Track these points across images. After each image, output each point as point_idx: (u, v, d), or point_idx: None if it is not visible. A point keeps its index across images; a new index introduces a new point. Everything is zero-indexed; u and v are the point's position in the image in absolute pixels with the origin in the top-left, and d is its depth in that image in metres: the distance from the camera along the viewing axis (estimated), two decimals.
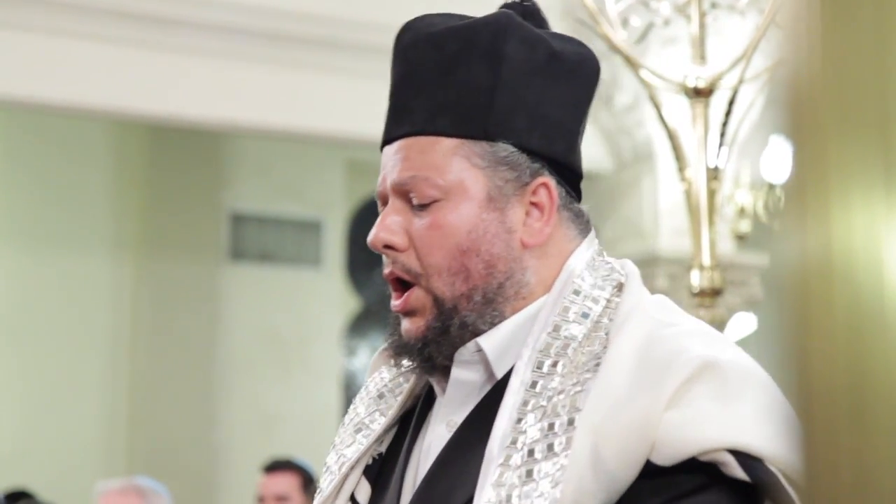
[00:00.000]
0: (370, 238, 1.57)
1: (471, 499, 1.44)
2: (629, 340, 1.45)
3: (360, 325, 8.75)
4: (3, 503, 3.73)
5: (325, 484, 1.62)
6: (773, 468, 1.34)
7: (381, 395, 1.67)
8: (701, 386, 1.38)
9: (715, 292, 2.79)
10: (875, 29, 0.55)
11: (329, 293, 8.44)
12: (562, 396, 1.44)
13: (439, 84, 1.54)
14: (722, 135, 2.82)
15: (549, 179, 1.56)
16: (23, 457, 7.29)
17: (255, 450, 7.06)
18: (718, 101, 2.87)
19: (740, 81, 2.82)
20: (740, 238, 4.57)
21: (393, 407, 1.63)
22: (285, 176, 8.25)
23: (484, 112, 1.53)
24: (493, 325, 1.53)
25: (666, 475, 1.37)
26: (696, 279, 2.79)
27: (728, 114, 2.83)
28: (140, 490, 4.42)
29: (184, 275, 7.80)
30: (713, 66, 2.85)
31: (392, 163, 1.57)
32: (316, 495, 1.63)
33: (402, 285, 1.56)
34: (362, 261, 8.67)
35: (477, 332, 1.53)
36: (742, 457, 1.35)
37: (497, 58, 1.53)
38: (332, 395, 8.36)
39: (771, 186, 4.26)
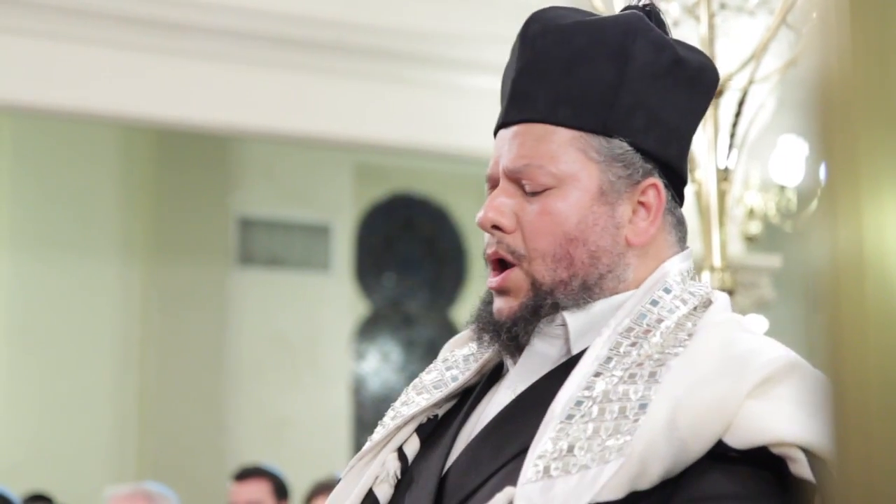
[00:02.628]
0: (479, 218, 1.58)
1: (525, 449, 1.44)
2: (715, 335, 1.47)
3: (369, 328, 8.74)
4: None
5: (376, 435, 1.64)
6: None
7: (448, 368, 1.69)
8: (785, 386, 1.40)
9: (727, 294, 2.78)
10: None
11: (338, 297, 8.44)
12: (640, 368, 1.46)
13: (564, 76, 1.56)
14: (732, 136, 2.81)
15: (659, 181, 1.58)
16: (33, 461, 7.30)
17: (264, 454, 7.06)
18: (728, 103, 2.86)
19: (750, 83, 2.81)
20: (750, 239, 4.56)
21: (458, 379, 1.65)
22: (293, 180, 8.26)
23: (605, 108, 1.55)
24: (583, 306, 1.55)
25: (735, 462, 1.38)
26: (707, 281, 2.78)
27: (738, 115, 2.82)
28: (148, 495, 4.42)
29: (192, 279, 7.81)
30: (723, 67, 2.84)
31: (507, 147, 1.58)
32: (367, 442, 1.65)
33: (502, 266, 1.57)
34: (371, 265, 8.67)
35: (566, 310, 1.55)
36: (812, 458, 1.36)
37: (624, 57, 1.55)
38: (342, 399, 8.36)
39: (782, 188, 4.25)
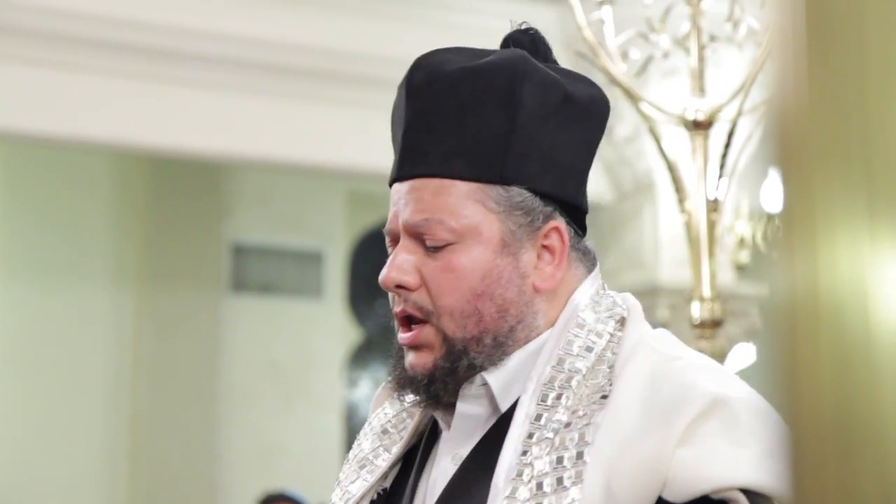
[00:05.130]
0: (382, 278, 1.56)
1: None
2: (636, 375, 1.46)
3: (362, 356, 8.74)
4: None
5: None
6: None
7: (384, 431, 1.67)
8: (712, 423, 1.39)
9: (715, 324, 2.80)
10: (858, 67, 0.55)
11: (330, 324, 8.44)
12: (569, 430, 1.45)
13: (454, 127, 1.53)
14: (721, 166, 2.83)
15: (561, 223, 1.56)
16: (24, 488, 7.28)
17: (255, 481, 7.04)
18: (718, 133, 2.88)
19: (738, 114, 2.83)
20: (740, 268, 4.57)
21: (397, 444, 1.63)
22: (286, 207, 8.27)
23: (500, 157, 1.53)
24: (499, 363, 1.54)
25: None
26: (697, 311, 2.80)
27: (727, 146, 2.84)
28: None
29: (185, 306, 7.81)
30: (712, 98, 2.87)
31: (404, 202, 1.55)
32: None
33: (411, 321, 1.56)
34: (364, 292, 8.67)
35: (483, 370, 1.54)
36: (752, 495, 1.36)
37: (513, 103, 1.53)
38: (334, 426, 8.35)
39: (770, 217, 4.26)
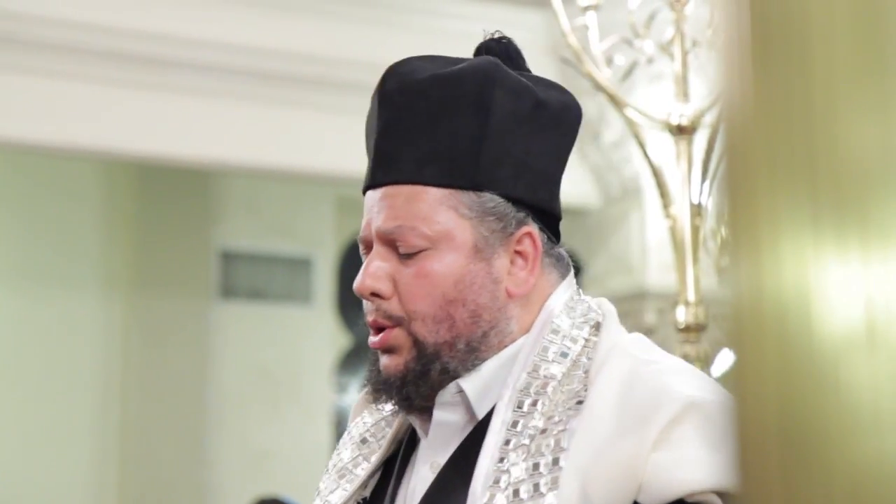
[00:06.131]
0: (356, 285, 1.58)
1: None
2: (611, 380, 1.46)
3: (351, 361, 8.74)
4: None
5: None
6: None
7: (364, 440, 1.67)
8: (686, 427, 1.39)
9: (700, 328, 2.81)
10: (802, 80, 0.57)
11: (320, 330, 8.44)
12: (545, 436, 1.45)
13: (426, 133, 1.54)
14: (704, 171, 2.84)
15: (533, 228, 1.57)
16: (13, 496, 7.26)
17: (245, 487, 7.04)
18: (701, 138, 2.89)
19: (720, 118, 2.85)
20: (723, 272, 4.58)
21: (376, 452, 1.64)
22: (275, 213, 8.27)
23: (471, 162, 1.53)
24: (473, 369, 1.54)
25: None
26: (682, 315, 2.81)
27: (709, 151, 2.85)
28: None
29: (174, 313, 7.81)
30: (696, 103, 2.88)
31: (377, 209, 1.56)
32: None
33: (381, 330, 1.57)
34: (353, 298, 8.64)
35: (457, 377, 1.54)
36: (728, 498, 1.35)
37: (484, 108, 1.53)
38: (323, 431, 8.35)
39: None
